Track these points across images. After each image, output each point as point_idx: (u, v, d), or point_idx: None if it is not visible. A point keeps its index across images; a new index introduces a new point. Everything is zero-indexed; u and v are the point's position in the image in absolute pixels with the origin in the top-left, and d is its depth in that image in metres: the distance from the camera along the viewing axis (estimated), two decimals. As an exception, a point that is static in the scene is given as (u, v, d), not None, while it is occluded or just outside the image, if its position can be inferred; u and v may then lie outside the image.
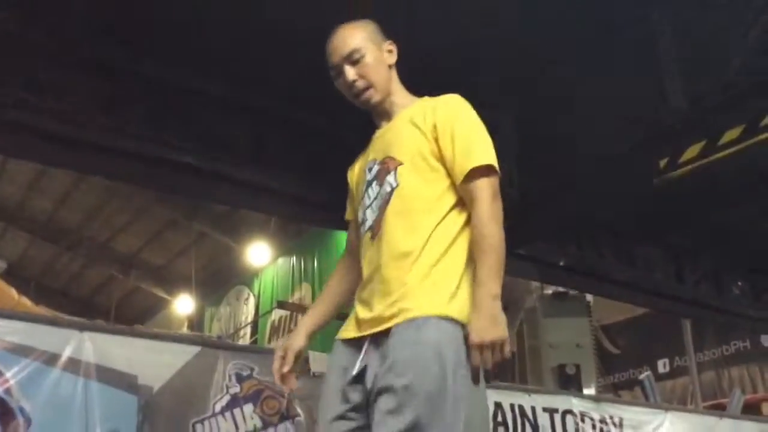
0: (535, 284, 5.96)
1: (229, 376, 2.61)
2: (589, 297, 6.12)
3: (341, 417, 1.62)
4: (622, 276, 4.53)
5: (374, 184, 1.72)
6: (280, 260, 7.81)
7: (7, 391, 2.13)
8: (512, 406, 3.31)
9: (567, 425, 3.43)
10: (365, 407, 1.60)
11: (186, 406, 2.48)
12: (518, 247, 3.84)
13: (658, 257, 4.64)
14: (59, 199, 7.79)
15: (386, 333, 1.59)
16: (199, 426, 2.46)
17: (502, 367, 1.59)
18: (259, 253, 7.86)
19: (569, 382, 5.42)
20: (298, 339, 1.76)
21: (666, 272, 4.66)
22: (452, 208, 1.66)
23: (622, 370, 7.19)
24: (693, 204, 4.00)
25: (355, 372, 1.61)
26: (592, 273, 4.49)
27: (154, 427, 2.38)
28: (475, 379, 1.54)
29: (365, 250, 1.72)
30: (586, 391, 5.17)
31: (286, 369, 1.72)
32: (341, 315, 1.81)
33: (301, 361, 1.78)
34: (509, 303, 6.01)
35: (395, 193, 1.67)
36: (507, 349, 1.55)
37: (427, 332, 1.55)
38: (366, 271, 1.70)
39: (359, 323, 1.66)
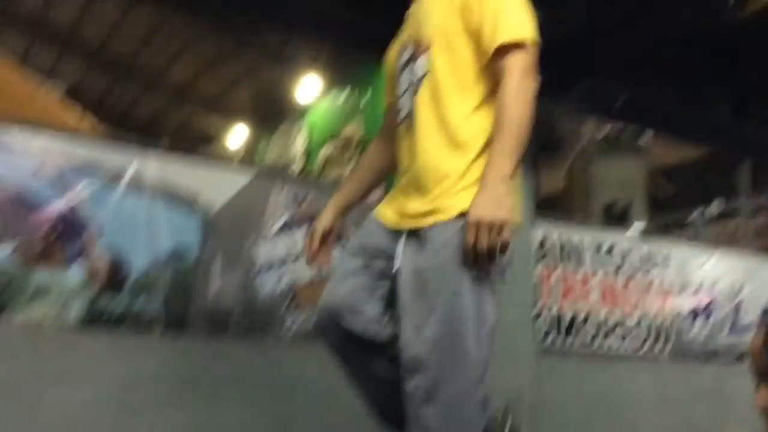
0: (590, 122, 5.85)
1: (284, 202, 2.70)
2: (645, 136, 6.00)
3: (357, 272, 1.61)
4: (683, 115, 4.41)
5: (407, 69, 1.65)
6: (333, 94, 7.77)
7: (77, 205, 2.26)
8: (559, 240, 3.38)
9: (612, 260, 3.50)
10: (386, 281, 1.60)
11: (243, 228, 2.60)
12: (576, 83, 3.74)
13: (720, 97, 4.47)
14: (112, 26, 7.74)
15: (423, 229, 1.55)
16: (256, 244, 2.59)
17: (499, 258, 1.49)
18: (311, 87, 7.81)
19: (618, 220, 5.45)
20: (326, 217, 1.75)
21: (728, 112, 4.51)
22: (489, 94, 1.57)
23: (674, 211, 7.17)
24: (760, 43, 3.78)
25: (395, 266, 1.58)
26: (651, 111, 4.38)
27: (215, 246, 2.52)
28: (467, 262, 1.48)
29: (402, 139, 1.66)
30: (634, 230, 5.21)
31: (315, 246, 1.71)
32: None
33: (335, 237, 1.76)
34: (562, 140, 5.95)
35: (426, 80, 1.60)
36: (506, 234, 1.47)
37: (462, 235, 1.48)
38: (403, 162, 1.65)
39: (397, 213, 1.63)
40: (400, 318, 1.55)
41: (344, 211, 1.79)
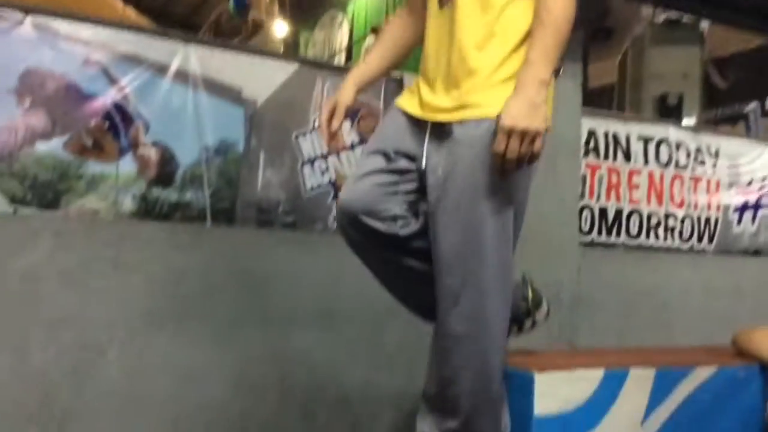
0: (646, 9, 5.57)
1: (328, 94, 2.69)
2: (702, 26, 5.72)
3: (377, 171, 1.56)
4: (746, 2, 4.17)
5: None
6: (374, -16, 7.54)
7: (125, 97, 2.28)
8: (606, 133, 3.31)
9: (660, 154, 3.43)
10: (410, 178, 1.56)
11: (288, 120, 2.61)
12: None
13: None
14: None
15: (450, 124, 1.49)
16: (301, 138, 2.60)
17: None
18: (353, -23, 7.62)
19: (669, 113, 5.29)
20: (347, 92, 1.67)
21: (792, -1, 4.24)
22: None
23: (728, 104, 6.92)
24: None
25: (421, 161, 1.53)
26: (710, -3, 4.14)
27: (260, 138, 2.54)
28: (496, 169, 1.43)
29: (432, 18, 1.56)
30: (686, 123, 5.07)
31: (336, 124, 1.66)
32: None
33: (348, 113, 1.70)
34: (616, 28, 5.71)
35: None
36: (539, 144, 1.41)
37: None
38: (431, 45, 1.56)
39: (422, 104, 1.55)
40: (430, 217, 1.53)
41: (364, 87, 1.72)
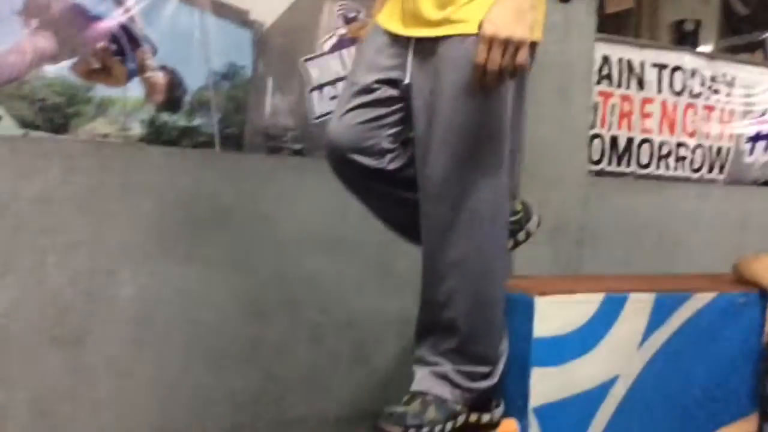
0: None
1: (336, 17, 2.65)
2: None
3: (362, 103, 1.55)
4: None
5: None
6: None
7: (131, 19, 2.25)
8: (620, 60, 3.25)
9: (675, 81, 3.38)
10: (396, 108, 1.55)
11: (296, 44, 2.58)
12: None
13: None
14: None
15: (434, 41, 1.44)
16: (309, 63, 2.58)
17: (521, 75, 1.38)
18: None
19: (685, 39, 5.18)
20: (378, 6, 1.66)
21: None
22: None
23: (745, 32, 6.74)
24: None
25: (405, 80, 1.50)
26: None
27: (268, 62, 2.52)
28: (475, 85, 1.38)
29: None
30: (702, 49, 4.96)
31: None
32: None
33: None
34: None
35: None
36: (523, 56, 1.34)
37: None
38: None
39: (403, 19, 1.50)
40: (417, 142, 1.51)
41: None
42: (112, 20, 2.23)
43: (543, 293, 1.66)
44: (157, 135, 2.33)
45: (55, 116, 2.18)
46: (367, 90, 1.56)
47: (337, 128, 1.60)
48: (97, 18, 2.21)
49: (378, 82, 1.56)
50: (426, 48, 1.48)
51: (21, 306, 2.12)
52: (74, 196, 2.17)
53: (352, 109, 1.57)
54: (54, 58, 2.16)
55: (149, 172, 2.28)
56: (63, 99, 2.19)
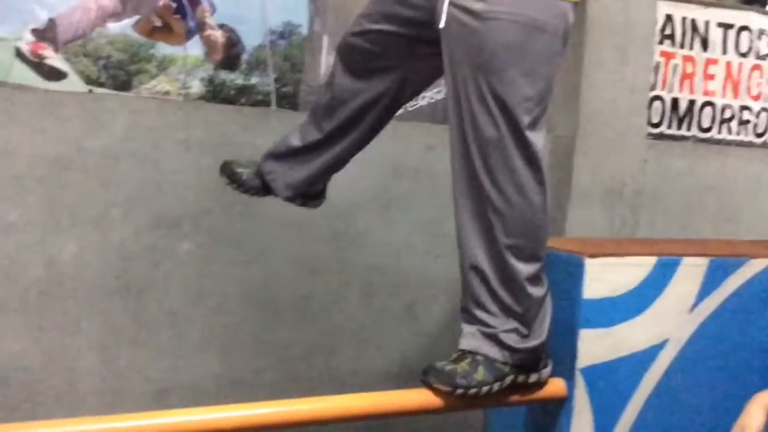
0: None
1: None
2: None
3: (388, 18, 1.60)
4: None
5: None
6: None
7: (191, -22, 2.30)
8: (683, 19, 3.15)
9: (740, 42, 3.26)
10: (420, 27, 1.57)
11: (352, 2, 2.58)
12: None
13: None
14: None
15: None
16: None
17: None
18: None
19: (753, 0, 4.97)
20: None
21: None
22: None
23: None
24: None
25: (439, 23, 1.49)
26: None
27: (324, 21, 2.53)
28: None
29: None
30: (772, 10, 4.75)
31: None
32: None
33: None
34: None
35: None
36: None
37: (526, 11, 1.42)
38: None
39: None
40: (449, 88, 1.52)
41: None
42: (173, -22, 2.27)
43: (594, 255, 1.66)
44: (215, 93, 2.38)
45: (118, 73, 2.25)
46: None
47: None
48: (158, -23, 2.26)
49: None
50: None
51: (87, 256, 2.22)
52: (137, 152, 2.24)
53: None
54: (117, 16, 2.22)
55: (208, 130, 2.33)
56: (126, 56, 2.25)
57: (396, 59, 1.66)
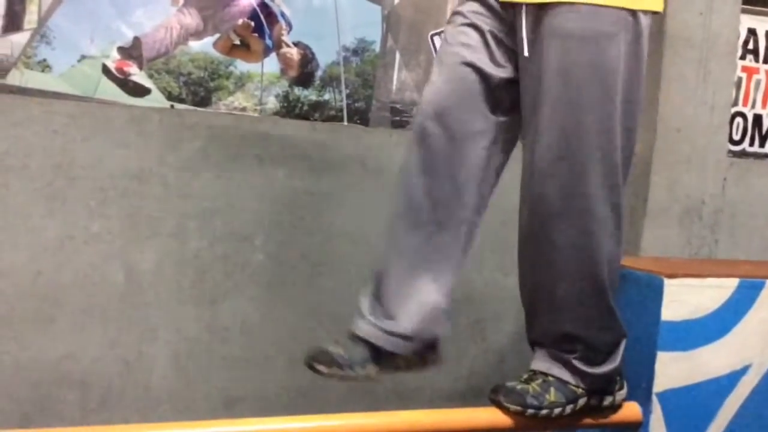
0: None
1: (466, -8, 2.63)
2: None
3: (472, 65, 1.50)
4: None
5: None
6: None
7: (269, -3, 2.36)
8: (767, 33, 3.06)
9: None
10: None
11: (424, 19, 2.60)
12: None
13: None
14: None
15: (544, 7, 1.39)
16: (437, 38, 2.59)
17: None
18: None
19: None
20: None
21: None
22: None
23: None
24: None
25: (522, 52, 1.44)
26: None
27: (396, 37, 2.55)
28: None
29: None
30: None
31: None
32: None
33: None
34: None
35: None
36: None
37: (594, 24, 1.36)
38: None
39: None
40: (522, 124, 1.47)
41: None
42: (252, -2, 2.33)
43: (673, 275, 1.61)
44: (290, 108, 2.43)
45: (198, 90, 2.33)
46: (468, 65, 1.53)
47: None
48: (238, -4, 2.33)
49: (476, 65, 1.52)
50: (540, 13, 1.43)
51: (165, 267, 2.28)
52: (214, 166, 2.31)
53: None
54: (198, 35, 2.30)
55: (282, 144, 2.38)
56: (206, 73, 2.32)
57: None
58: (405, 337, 1.51)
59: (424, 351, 1.55)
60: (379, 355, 1.51)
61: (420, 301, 1.52)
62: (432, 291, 1.53)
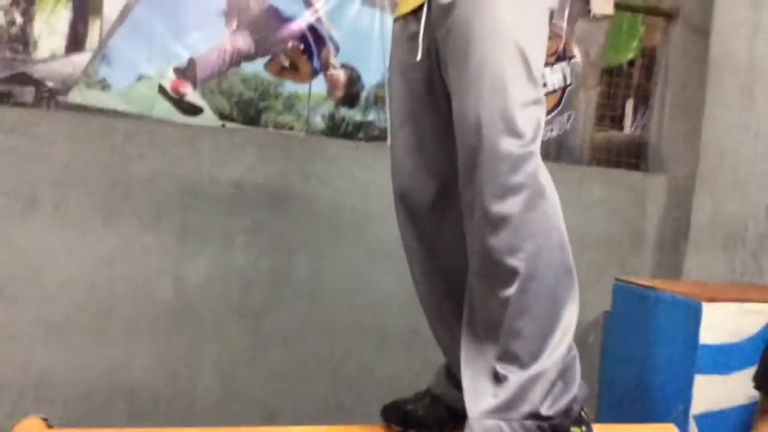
0: None
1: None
2: None
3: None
4: None
5: None
6: None
7: (318, 20, 2.43)
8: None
9: None
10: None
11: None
12: None
13: None
14: None
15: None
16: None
17: None
18: None
19: None
20: None
21: None
22: None
23: None
24: None
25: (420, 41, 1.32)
26: None
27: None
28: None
29: None
30: None
31: None
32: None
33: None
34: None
35: None
36: None
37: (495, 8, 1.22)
38: None
39: None
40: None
41: None
42: (302, 21, 2.41)
43: (712, 299, 1.62)
44: (335, 128, 2.50)
45: (248, 109, 2.41)
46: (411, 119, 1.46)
47: (397, 172, 1.57)
48: (289, 19, 2.41)
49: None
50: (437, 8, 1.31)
51: (212, 281, 2.36)
52: (262, 183, 2.38)
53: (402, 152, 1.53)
54: (250, 57, 2.39)
55: (327, 163, 2.44)
56: (256, 94, 2.41)
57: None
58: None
59: None
60: (457, 417, 1.45)
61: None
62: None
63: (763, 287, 2.22)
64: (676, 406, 1.62)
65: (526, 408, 1.23)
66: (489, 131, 1.20)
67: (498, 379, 1.26)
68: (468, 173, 1.25)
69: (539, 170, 1.24)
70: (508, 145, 1.20)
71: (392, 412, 1.50)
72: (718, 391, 1.61)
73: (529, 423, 1.23)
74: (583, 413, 1.32)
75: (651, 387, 1.46)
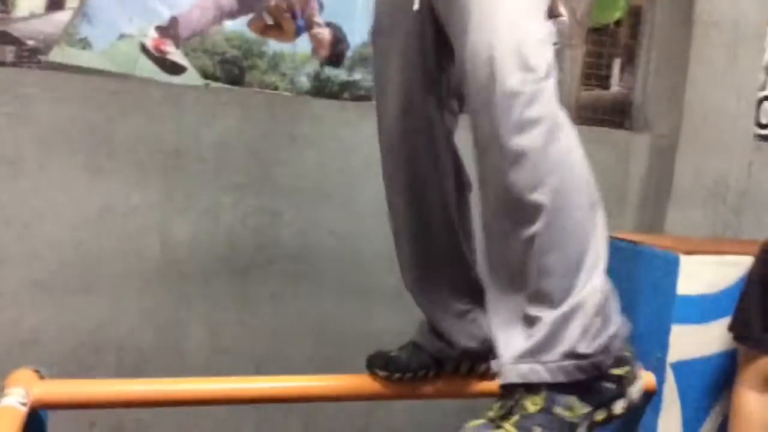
0: None
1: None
2: None
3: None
4: None
5: None
6: None
7: (302, -21, 2.42)
8: (800, 17, 3.03)
9: None
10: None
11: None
12: None
13: None
14: None
15: None
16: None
17: None
18: None
19: None
20: None
21: None
22: None
23: None
24: None
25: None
26: None
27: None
28: None
29: None
30: None
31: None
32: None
33: None
34: None
35: None
36: None
37: None
38: None
39: None
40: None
41: None
42: (285, -22, 2.39)
43: (690, 252, 1.65)
44: (320, 88, 2.49)
45: (232, 68, 2.40)
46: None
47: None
48: (271, -24, 2.39)
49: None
50: None
51: (199, 240, 2.37)
52: (247, 143, 2.38)
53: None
54: (233, 15, 2.37)
55: (312, 123, 2.45)
56: (240, 52, 2.40)
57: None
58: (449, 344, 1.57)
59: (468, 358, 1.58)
60: (440, 363, 1.58)
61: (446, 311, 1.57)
62: (452, 300, 1.57)
63: (741, 242, 2.27)
64: (653, 354, 1.66)
65: (562, 347, 1.15)
66: (503, 68, 1.14)
67: (530, 321, 1.18)
68: (480, 113, 1.18)
69: (557, 105, 1.19)
70: (524, 79, 1.14)
71: (376, 360, 1.59)
72: (694, 340, 1.65)
73: (567, 363, 1.15)
74: (626, 352, 1.26)
75: (630, 337, 1.49)
